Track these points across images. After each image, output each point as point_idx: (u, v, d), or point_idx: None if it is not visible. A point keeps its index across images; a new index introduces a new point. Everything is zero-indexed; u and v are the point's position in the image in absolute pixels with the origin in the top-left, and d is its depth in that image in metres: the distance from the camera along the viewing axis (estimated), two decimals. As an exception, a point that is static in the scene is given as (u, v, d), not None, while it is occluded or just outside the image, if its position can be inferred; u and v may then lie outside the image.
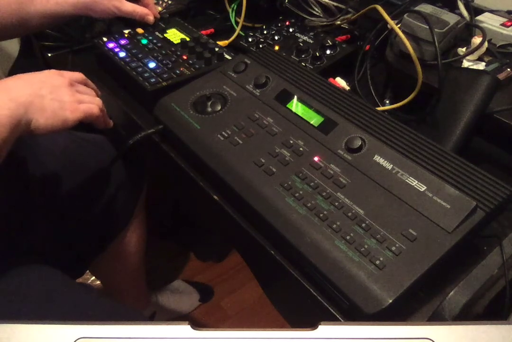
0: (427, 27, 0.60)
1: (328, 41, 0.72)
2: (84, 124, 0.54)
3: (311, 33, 0.76)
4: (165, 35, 0.76)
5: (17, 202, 0.66)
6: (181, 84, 0.62)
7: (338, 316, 0.44)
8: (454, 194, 0.44)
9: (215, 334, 0.29)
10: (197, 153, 0.55)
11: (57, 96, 0.50)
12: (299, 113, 0.54)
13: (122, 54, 0.71)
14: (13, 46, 1.23)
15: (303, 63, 0.70)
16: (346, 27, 0.79)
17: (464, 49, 0.64)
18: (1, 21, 0.62)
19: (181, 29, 0.77)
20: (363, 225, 0.43)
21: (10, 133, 0.44)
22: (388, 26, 0.67)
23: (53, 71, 0.54)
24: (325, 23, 0.78)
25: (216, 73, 0.62)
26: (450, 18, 0.62)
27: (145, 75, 0.66)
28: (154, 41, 0.74)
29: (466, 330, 0.29)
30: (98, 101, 0.56)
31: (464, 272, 0.46)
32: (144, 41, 0.74)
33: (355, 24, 0.79)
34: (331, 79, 0.69)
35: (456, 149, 0.54)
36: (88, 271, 1.04)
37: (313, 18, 0.79)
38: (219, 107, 0.57)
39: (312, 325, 0.29)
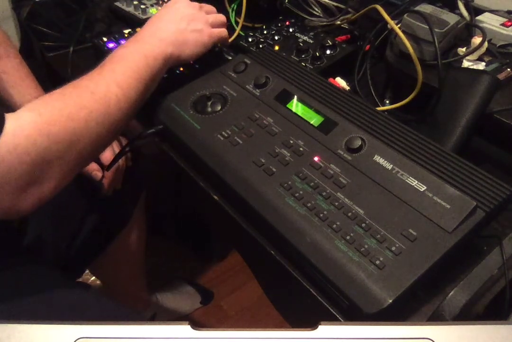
0: (427, 27, 0.59)
1: (328, 41, 0.72)
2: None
3: (311, 33, 0.76)
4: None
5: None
6: (181, 84, 0.62)
7: (338, 316, 0.44)
8: (454, 194, 0.44)
9: (215, 334, 0.29)
10: (197, 153, 0.55)
11: (195, 26, 0.61)
12: (299, 113, 0.54)
13: (122, 54, 0.71)
14: (13, 46, 1.23)
15: (303, 63, 0.70)
16: (346, 27, 0.79)
17: (464, 49, 0.64)
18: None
19: (181, 29, 0.77)
20: (363, 225, 0.43)
21: (163, 66, 0.57)
22: (388, 26, 0.67)
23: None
24: (325, 23, 0.78)
25: (216, 73, 0.62)
26: (450, 18, 0.62)
27: (145, 75, 0.66)
28: (154, 41, 0.74)
29: (466, 330, 0.29)
30: (222, 18, 0.66)
31: (464, 272, 0.46)
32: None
33: (355, 24, 0.79)
34: (331, 79, 0.69)
35: (456, 149, 0.54)
36: (88, 271, 1.04)
37: (313, 18, 0.79)
38: (219, 107, 0.57)
39: (312, 325, 0.29)
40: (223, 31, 0.65)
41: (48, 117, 0.43)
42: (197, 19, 0.61)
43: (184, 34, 0.59)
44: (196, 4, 0.64)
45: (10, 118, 0.41)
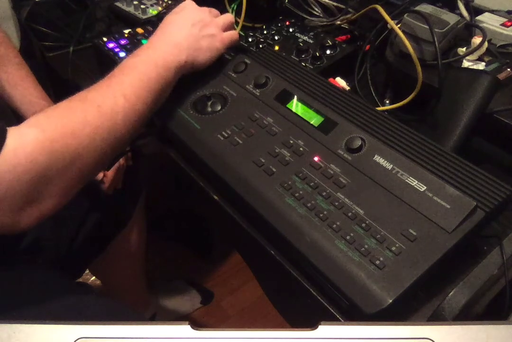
0: (427, 27, 0.59)
1: (328, 41, 0.72)
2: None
3: (311, 33, 0.76)
4: (165, 35, 0.75)
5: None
6: (181, 85, 0.62)
7: (338, 316, 0.44)
8: (454, 194, 0.44)
9: (215, 334, 0.29)
10: (197, 153, 0.55)
11: (206, 31, 0.59)
12: (299, 113, 0.54)
13: (122, 54, 0.71)
14: (13, 46, 1.23)
15: (303, 63, 0.70)
16: (346, 27, 0.79)
17: (464, 49, 0.64)
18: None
19: (181, 29, 0.77)
20: (363, 225, 0.43)
21: (176, 74, 0.55)
22: (388, 26, 0.67)
23: (191, 4, 0.62)
24: (325, 23, 0.78)
25: (216, 73, 0.62)
26: (450, 18, 0.62)
27: (145, 75, 0.66)
28: (154, 41, 0.74)
29: (466, 330, 0.29)
30: (231, 18, 0.64)
31: (464, 272, 0.46)
32: (144, 41, 0.74)
33: (355, 24, 0.79)
34: (331, 79, 0.69)
35: (456, 149, 0.54)
36: (88, 271, 1.04)
37: (313, 18, 0.79)
38: (219, 107, 0.57)
39: (312, 325, 0.29)
40: (235, 34, 0.63)
41: (50, 134, 0.42)
42: (209, 24, 0.60)
43: (197, 40, 0.57)
44: (205, 8, 0.62)
45: (12, 135, 0.40)
